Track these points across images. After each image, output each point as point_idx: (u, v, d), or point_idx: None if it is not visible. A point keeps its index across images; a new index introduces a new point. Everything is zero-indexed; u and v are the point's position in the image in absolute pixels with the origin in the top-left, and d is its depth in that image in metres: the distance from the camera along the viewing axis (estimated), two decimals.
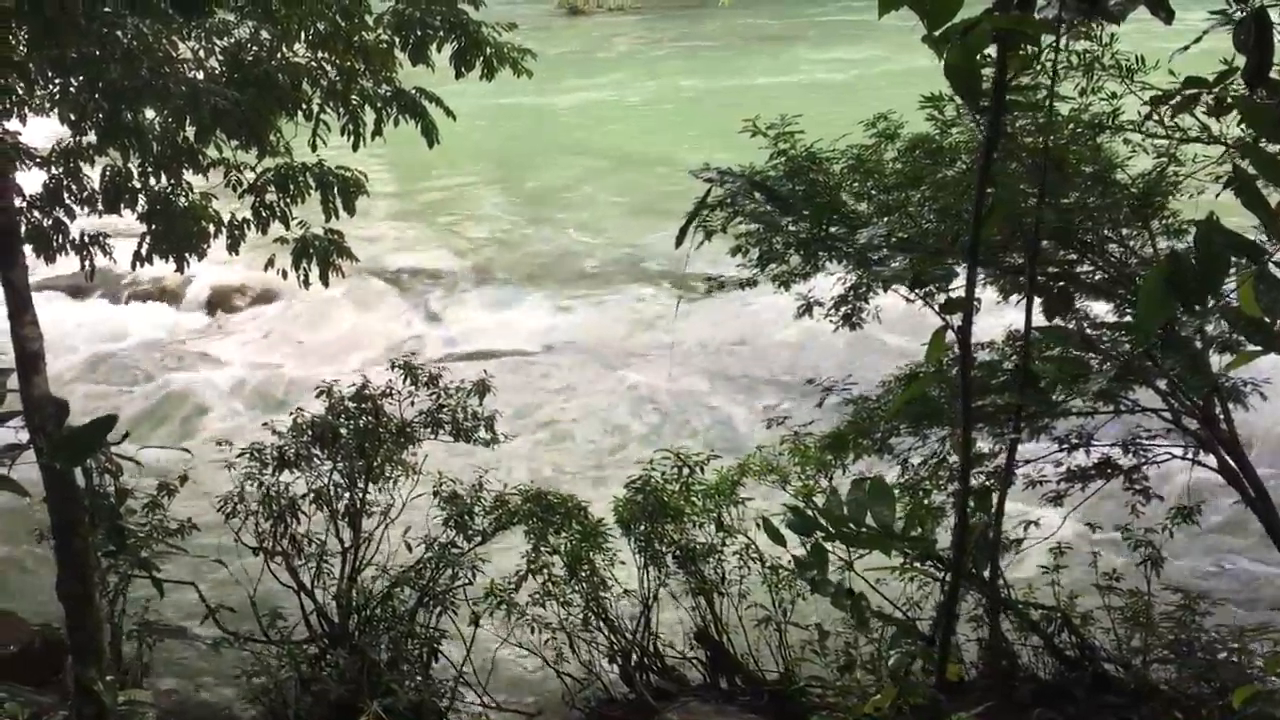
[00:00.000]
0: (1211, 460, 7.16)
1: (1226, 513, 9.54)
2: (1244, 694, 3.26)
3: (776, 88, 27.92)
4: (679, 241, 2.49)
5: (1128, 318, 7.15)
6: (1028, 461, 7.70)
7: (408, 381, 8.51)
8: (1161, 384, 7.11)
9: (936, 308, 5.86)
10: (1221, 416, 7.16)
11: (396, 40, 7.50)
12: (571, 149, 25.26)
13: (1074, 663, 7.63)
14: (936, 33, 2.18)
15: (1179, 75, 4.93)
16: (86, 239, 8.37)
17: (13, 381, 5.56)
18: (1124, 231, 7.18)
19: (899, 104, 7.50)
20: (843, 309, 7.68)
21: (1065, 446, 7.66)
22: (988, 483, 7.23)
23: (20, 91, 7.66)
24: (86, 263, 8.45)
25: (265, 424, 8.63)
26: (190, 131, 7.38)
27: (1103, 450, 7.64)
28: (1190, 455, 7.38)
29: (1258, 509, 7.08)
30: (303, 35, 7.45)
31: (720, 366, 15.33)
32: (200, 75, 7.36)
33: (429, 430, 8.46)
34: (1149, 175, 6.80)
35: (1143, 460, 7.58)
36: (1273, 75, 2.53)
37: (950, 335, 2.56)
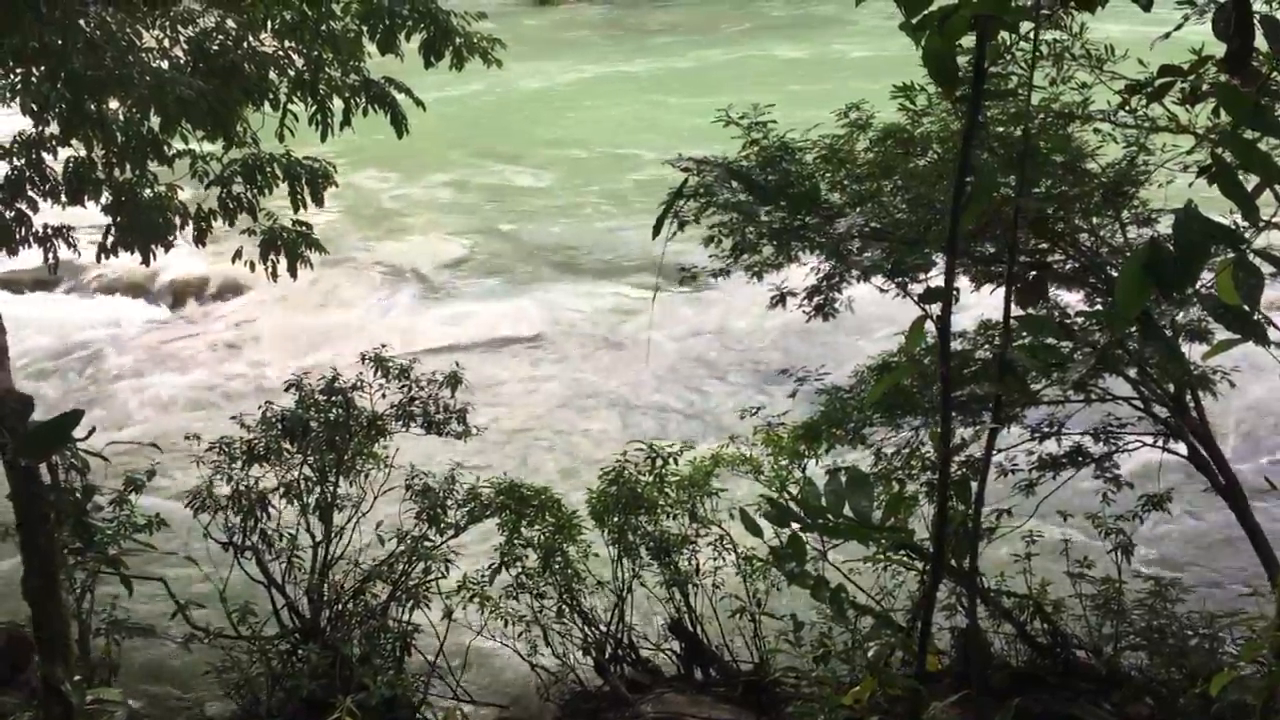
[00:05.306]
0: (1182, 448, 7.21)
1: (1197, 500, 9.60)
2: (1220, 681, 3.27)
3: (728, 69, 27.95)
4: (655, 232, 2.46)
5: (1099, 306, 7.18)
6: (1000, 450, 7.72)
7: (379, 374, 8.44)
8: (1131, 372, 7.14)
9: (915, 298, 5.86)
10: (1192, 404, 7.21)
11: (365, 29, 7.43)
12: (538, 140, 25.12)
13: (1046, 650, 7.68)
14: (914, 20, 2.16)
15: (1148, 65, 4.93)
16: (50, 231, 8.25)
17: None
18: (1094, 220, 7.21)
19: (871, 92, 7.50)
20: (815, 299, 7.69)
21: (1037, 435, 7.69)
22: (961, 472, 7.24)
23: None
24: (50, 255, 8.33)
25: (234, 417, 8.53)
26: (155, 122, 7.27)
27: (1074, 439, 7.68)
28: (1160, 443, 7.43)
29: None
30: (269, 24, 7.35)
31: (698, 355, 15.30)
32: (165, 65, 7.25)
33: (400, 423, 8.39)
34: (1119, 164, 6.82)
35: (1113, 449, 7.62)
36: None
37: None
